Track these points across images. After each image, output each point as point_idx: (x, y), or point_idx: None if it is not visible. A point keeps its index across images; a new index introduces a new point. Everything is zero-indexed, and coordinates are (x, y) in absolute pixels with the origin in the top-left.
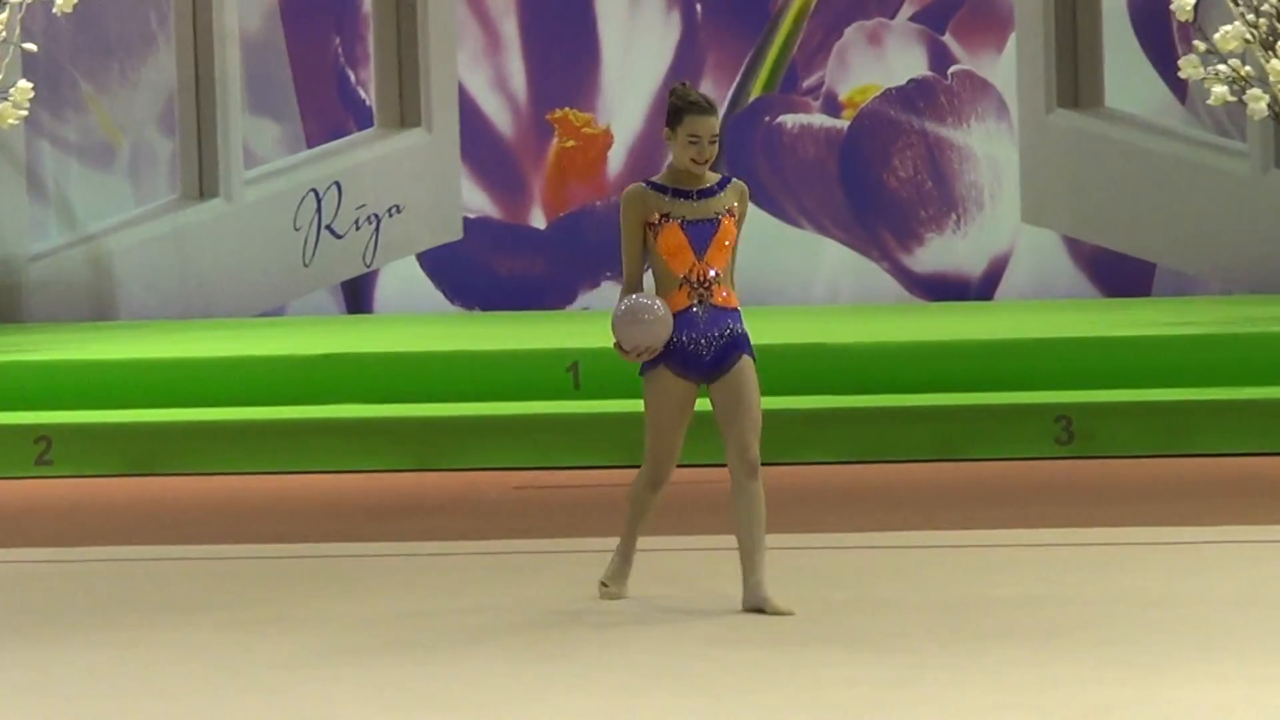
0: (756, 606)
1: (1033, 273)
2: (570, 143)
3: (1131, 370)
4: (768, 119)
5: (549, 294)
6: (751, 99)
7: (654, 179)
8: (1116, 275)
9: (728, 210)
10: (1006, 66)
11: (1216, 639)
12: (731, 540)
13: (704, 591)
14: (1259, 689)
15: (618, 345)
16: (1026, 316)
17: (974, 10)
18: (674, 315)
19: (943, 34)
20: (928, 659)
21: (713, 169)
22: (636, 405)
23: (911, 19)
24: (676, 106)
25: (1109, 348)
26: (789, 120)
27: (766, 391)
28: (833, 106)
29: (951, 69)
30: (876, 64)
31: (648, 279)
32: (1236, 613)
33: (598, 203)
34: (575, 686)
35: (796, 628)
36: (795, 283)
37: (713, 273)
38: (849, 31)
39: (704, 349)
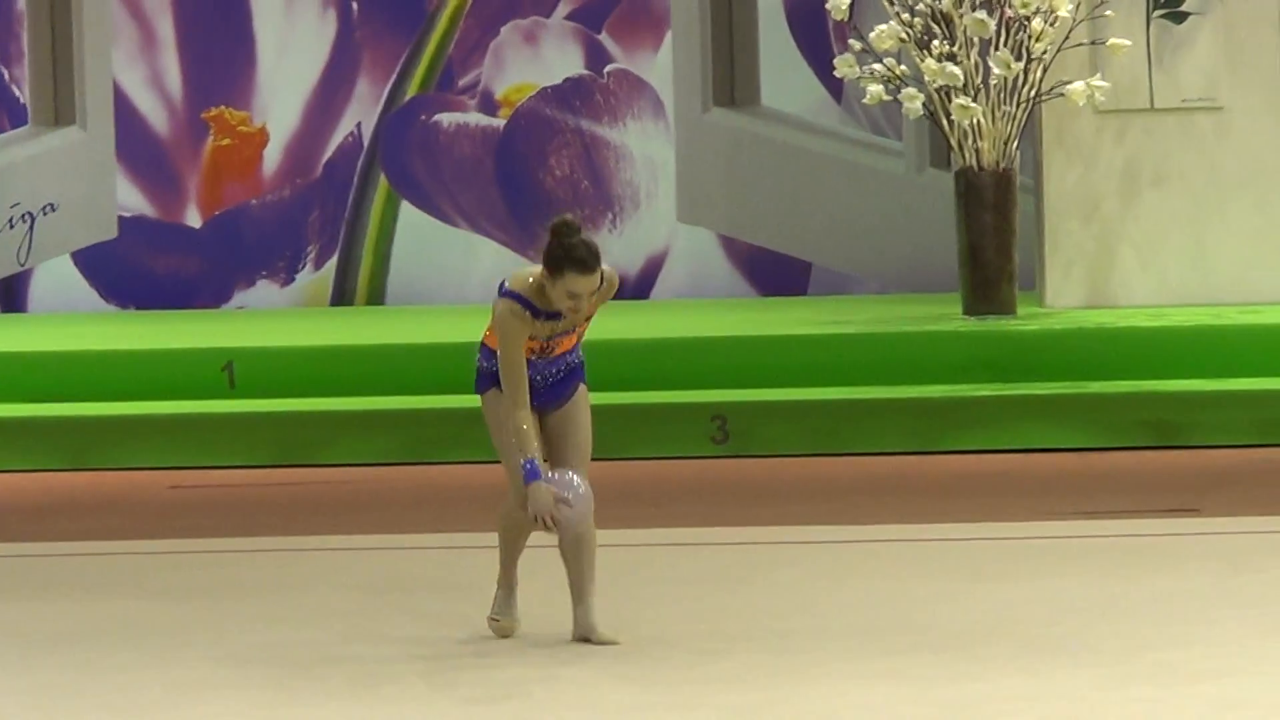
0: (584, 636)
1: (689, 272)
2: (226, 141)
3: (787, 369)
4: (424, 118)
5: (205, 293)
6: (408, 98)
7: (530, 298)
8: (773, 274)
9: (588, 317)
10: (663, 65)
11: (866, 638)
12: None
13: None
14: (901, 687)
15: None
16: (683, 315)
17: (630, 9)
18: None
19: (599, 33)
20: (559, 656)
21: None
22: (292, 405)
23: (567, 17)
24: (557, 257)
25: (765, 347)
26: (445, 119)
27: (412, 390)
28: (489, 105)
29: (608, 68)
30: (533, 63)
31: None
32: (884, 611)
33: (253, 201)
34: (229, 684)
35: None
36: (451, 282)
37: (559, 345)
38: (505, 30)
39: (540, 384)
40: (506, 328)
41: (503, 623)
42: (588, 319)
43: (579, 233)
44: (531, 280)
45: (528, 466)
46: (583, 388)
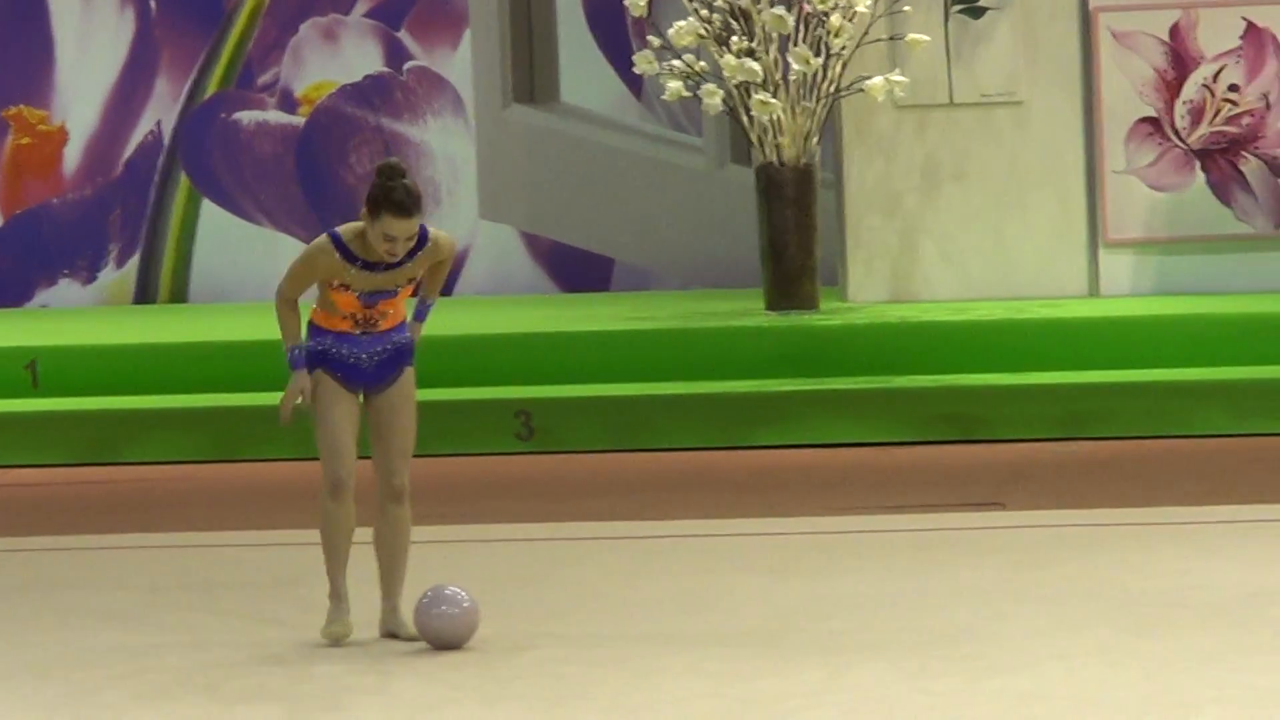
0: (391, 631)
1: (491, 268)
2: (25, 140)
3: (590, 365)
4: (224, 115)
5: (6, 291)
6: (207, 96)
7: (347, 240)
8: (575, 271)
9: (410, 280)
10: (462, 63)
11: (665, 633)
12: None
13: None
14: (700, 681)
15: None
16: (486, 312)
17: (428, 7)
18: (332, 333)
19: (398, 30)
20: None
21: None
22: (96, 403)
23: (366, 15)
24: (376, 199)
25: (568, 343)
26: (245, 117)
27: (217, 387)
28: (289, 103)
29: (407, 65)
30: (332, 60)
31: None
32: (684, 606)
33: (54, 200)
34: (15, 686)
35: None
36: (254, 279)
37: (383, 316)
38: (304, 28)
39: (365, 362)
40: (306, 255)
41: (333, 628)
42: (411, 281)
43: (403, 176)
44: (357, 229)
45: (292, 354)
46: (409, 371)
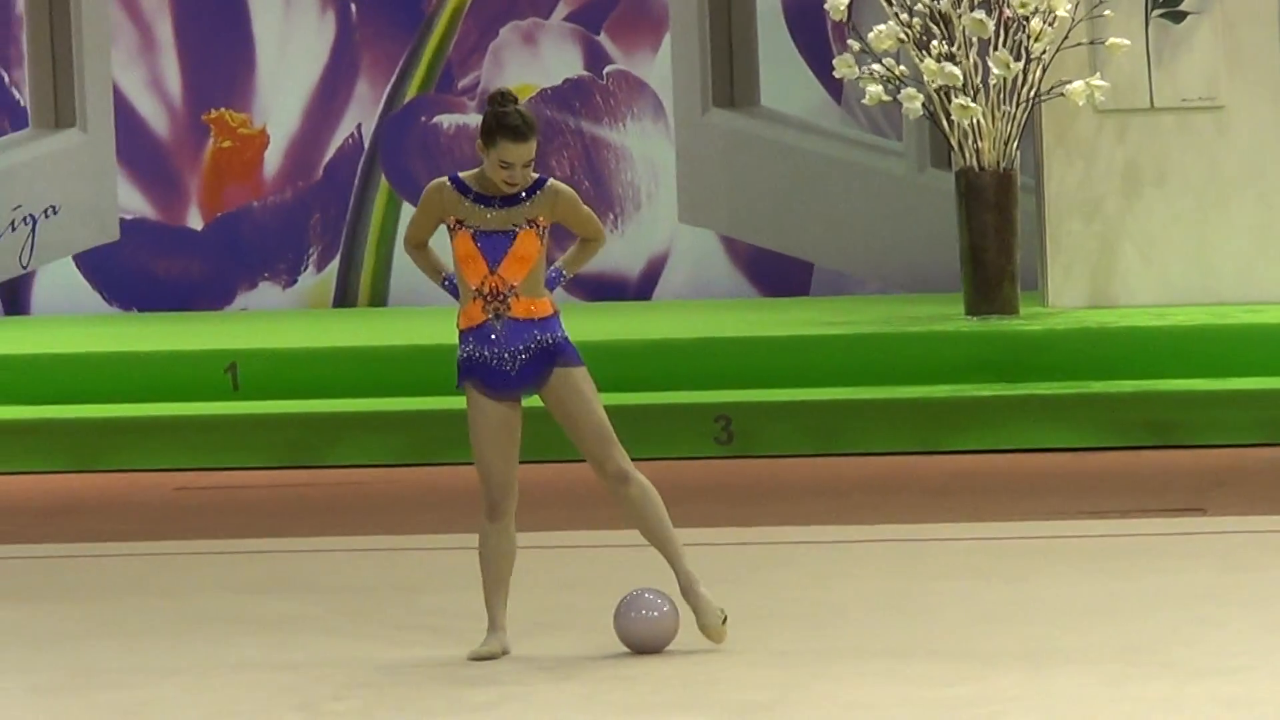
0: (686, 594)
1: (691, 273)
2: (226, 143)
3: (790, 370)
4: (424, 119)
5: (207, 295)
6: (407, 99)
7: (463, 175)
8: (774, 275)
9: (530, 221)
10: (662, 66)
11: (866, 637)
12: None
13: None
14: (900, 686)
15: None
16: (685, 316)
17: (629, 10)
18: (471, 329)
19: (598, 34)
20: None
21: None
22: (295, 406)
23: (566, 19)
24: (489, 126)
25: (768, 347)
26: (445, 120)
27: (415, 391)
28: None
29: (607, 69)
30: (532, 64)
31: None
32: (884, 611)
33: (254, 203)
34: (224, 687)
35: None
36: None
37: (511, 285)
38: (504, 31)
39: (509, 364)
40: (424, 193)
41: (478, 649)
42: (530, 224)
43: (515, 102)
44: (475, 172)
45: (446, 284)
46: (574, 373)
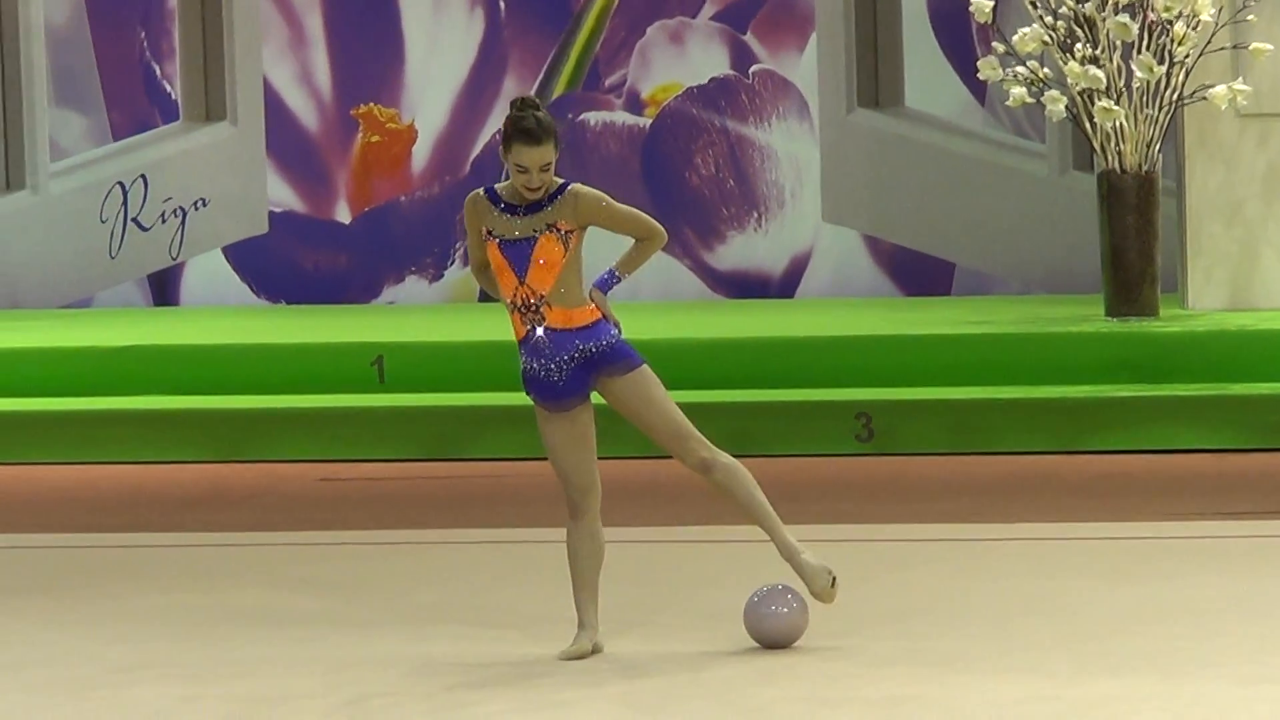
0: (789, 562)
1: (833, 271)
2: (375, 138)
3: (930, 368)
4: (571, 116)
5: (354, 288)
6: (555, 96)
7: (497, 186)
8: (916, 274)
9: (550, 226)
10: (807, 66)
11: (1004, 634)
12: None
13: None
14: (1038, 682)
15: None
16: (827, 314)
17: (775, 10)
18: (522, 342)
19: (744, 33)
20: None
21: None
22: (440, 399)
23: (713, 18)
24: (506, 131)
25: (908, 346)
26: (592, 118)
27: None
28: (635, 104)
29: (753, 68)
30: (678, 62)
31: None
32: (1022, 608)
33: (402, 198)
34: (364, 680)
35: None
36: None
37: (540, 295)
38: (651, 30)
39: (555, 374)
40: (463, 213)
41: (568, 648)
42: (550, 228)
43: (535, 109)
44: (509, 183)
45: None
46: (632, 376)
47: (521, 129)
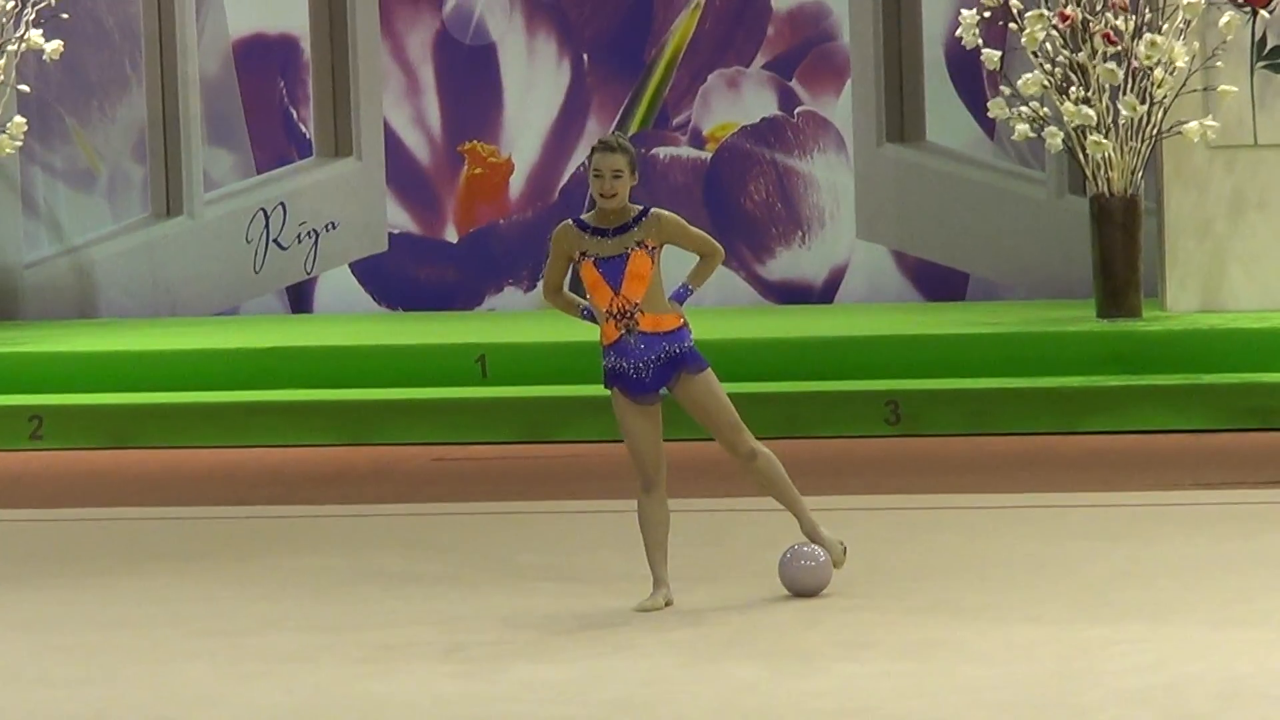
0: (811, 537)
1: (866, 280)
2: (478, 170)
3: (949, 362)
4: (644, 151)
5: (460, 297)
6: (630, 133)
7: (584, 216)
8: (936, 282)
9: (639, 244)
10: (844, 107)
11: (1014, 587)
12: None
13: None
14: (1042, 628)
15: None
16: (861, 317)
17: (817, 60)
18: (610, 345)
19: (790, 80)
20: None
21: (633, 201)
22: (536, 391)
23: (764, 67)
24: (590, 153)
25: (930, 343)
26: (661, 152)
27: None
28: (698, 140)
29: (798, 109)
30: (735, 105)
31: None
32: (1030, 565)
33: (501, 221)
34: (465, 632)
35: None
36: (667, 290)
37: (634, 303)
38: (712, 77)
39: (643, 372)
40: (552, 241)
41: (644, 602)
42: (640, 245)
43: (620, 138)
44: (594, 212)
45: (584, 314)
46: (699, 378)
47: (600, 141)
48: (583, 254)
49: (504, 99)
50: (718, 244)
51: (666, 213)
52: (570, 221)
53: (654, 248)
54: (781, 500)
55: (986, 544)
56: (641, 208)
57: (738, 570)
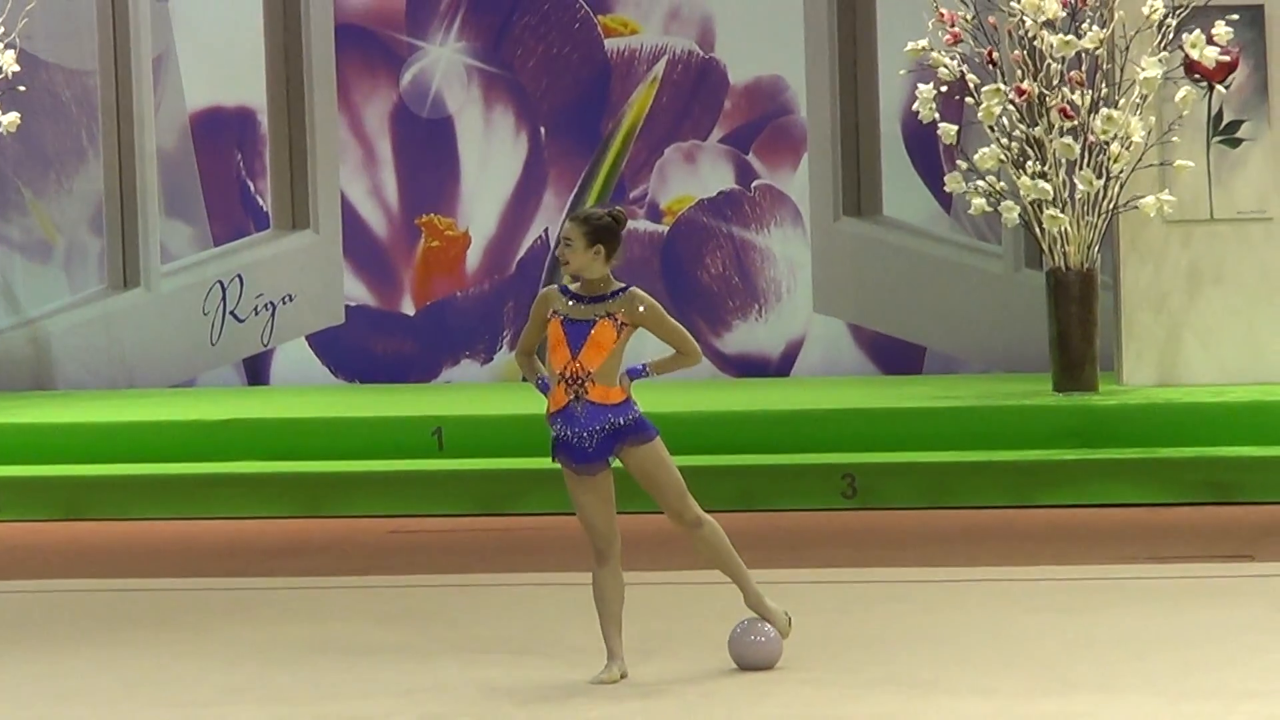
0: (755, 608)
1: (822, 354)
2: (435, 243)
3: (906, 435)
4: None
5: (417, 370)
6: (587, 208)
7: (565, 282)
8: (893, 356)
9: (609, 315)
10: (800, 181)
11: (966, 660)
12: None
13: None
14: (992, 701)
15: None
16: (817, 390)
17: (773, 134)
18: (557, 412)
19: (747, 153)
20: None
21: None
22: (492, 463)
23: (721, 141)
24: None
25: (887, 417)
26: None
27: None
28: (655, 214)
29: (754, 183)
30: (691, 178)
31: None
32: (982, 638)
33: (458, 293)
34: (425, 703)
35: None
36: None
37: (588, 371)
38: (668, 151)
39: (586, 442)
40: (534, 304)
41: (599, 675)
42: (609, 316)
43: (602, 210)
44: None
45: (539, 383)
46: (646, 448)
47: (572, 213)
48: (555, 313)
49: (461, 172)
50: (697, 346)
51: (646, 296)
52: (555, 286)
53: (623, 323)
54: (726, 570)
55: (941, 617)
56: (623, 285)
57: (692, 643)
